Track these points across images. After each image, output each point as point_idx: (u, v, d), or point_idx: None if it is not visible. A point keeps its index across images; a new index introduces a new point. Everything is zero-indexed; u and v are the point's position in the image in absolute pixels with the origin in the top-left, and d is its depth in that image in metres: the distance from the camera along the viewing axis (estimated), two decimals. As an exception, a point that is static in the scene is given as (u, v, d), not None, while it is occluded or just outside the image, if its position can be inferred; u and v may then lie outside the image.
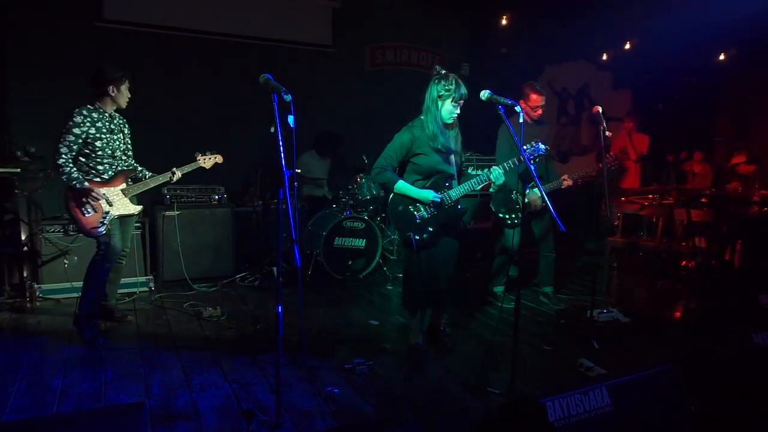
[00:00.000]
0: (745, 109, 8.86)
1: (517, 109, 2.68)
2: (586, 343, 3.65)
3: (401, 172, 3.29)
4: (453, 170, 3.29)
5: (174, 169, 3.84)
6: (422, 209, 3.20)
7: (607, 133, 3.77)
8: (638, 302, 4.89)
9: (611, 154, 4.07)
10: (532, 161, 3.05)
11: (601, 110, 3.84)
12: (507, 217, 4.34)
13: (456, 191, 3.20)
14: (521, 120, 2.72)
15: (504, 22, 7.10)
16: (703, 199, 4.79)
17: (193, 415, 2.68)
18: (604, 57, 8.15)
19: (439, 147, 3.15)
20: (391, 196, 3.31)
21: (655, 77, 8.27)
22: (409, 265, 3.37)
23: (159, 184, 3.87)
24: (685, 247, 5.18)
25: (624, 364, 3.37)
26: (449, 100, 3.08)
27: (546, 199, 2.63)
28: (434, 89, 3.11)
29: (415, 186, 3.22)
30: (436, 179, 3.23)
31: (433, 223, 3.21)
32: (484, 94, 2.85)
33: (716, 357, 2.93)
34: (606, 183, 3.72)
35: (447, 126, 3.19)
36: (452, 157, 3.28)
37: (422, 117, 3.19)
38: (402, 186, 3.18)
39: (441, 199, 3.16)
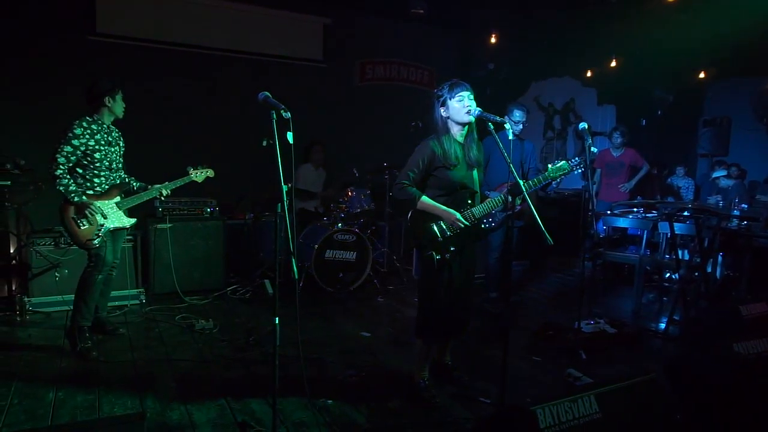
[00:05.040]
0: (726, 125, 9.11)
1: (507, 126, 2.74)
2: (573, 353, 3.73)
3: (421, 188, 3.05)
4: (476, 186, 3.10)
5: (161, 189, 3.84)
6: (445, 227, 2.97)
7: (592, 148, 3.88)
8: (624, 314, 4.99)
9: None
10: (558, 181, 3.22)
11: (586, 126, 3.95)
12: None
13: (479, 209, 2.98)
14: (511, 137, 2.78)
15: (493, 40, 7.25)
16: (686, 213, 4.92)
17: (188, 427, 2.70)
18: (589, 74, 8.35)
19: (457, 161, 2.96)
20: (410, 212, 3.06)
21: (638, 94, 8.48)
22: (428, 288, 3.05)
23: (150, 198, 3.90)
24: (669, 259, 5.30)
25: (610, 374, 3.45)
26: (452, 101, 2.92)
27: (535, 213, 2.68)
28: (435, 102, 3.00)
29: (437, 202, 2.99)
30: (459, 195, 3.01)
31: (456, 243, 2.99)
32: (474, 111, 2.88)
33: (700, 366, 3.02)
34: (592, 196, 3.82)
35: (466, 136, 3.02)
36: (475, 171, 3.08)
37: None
38: (425, 201, 2.97)
39: (465, 218, 2.95)
